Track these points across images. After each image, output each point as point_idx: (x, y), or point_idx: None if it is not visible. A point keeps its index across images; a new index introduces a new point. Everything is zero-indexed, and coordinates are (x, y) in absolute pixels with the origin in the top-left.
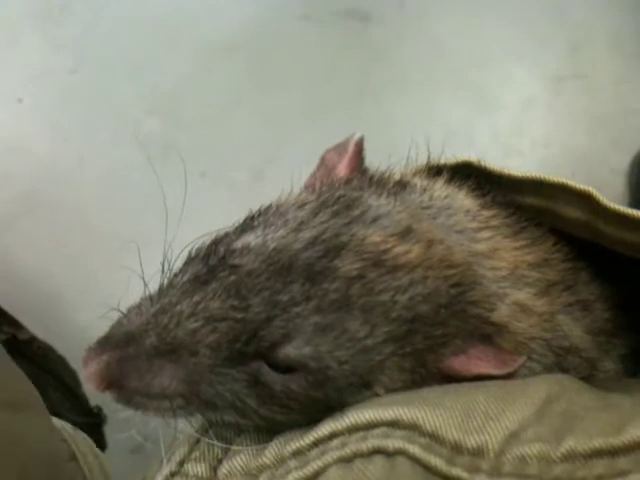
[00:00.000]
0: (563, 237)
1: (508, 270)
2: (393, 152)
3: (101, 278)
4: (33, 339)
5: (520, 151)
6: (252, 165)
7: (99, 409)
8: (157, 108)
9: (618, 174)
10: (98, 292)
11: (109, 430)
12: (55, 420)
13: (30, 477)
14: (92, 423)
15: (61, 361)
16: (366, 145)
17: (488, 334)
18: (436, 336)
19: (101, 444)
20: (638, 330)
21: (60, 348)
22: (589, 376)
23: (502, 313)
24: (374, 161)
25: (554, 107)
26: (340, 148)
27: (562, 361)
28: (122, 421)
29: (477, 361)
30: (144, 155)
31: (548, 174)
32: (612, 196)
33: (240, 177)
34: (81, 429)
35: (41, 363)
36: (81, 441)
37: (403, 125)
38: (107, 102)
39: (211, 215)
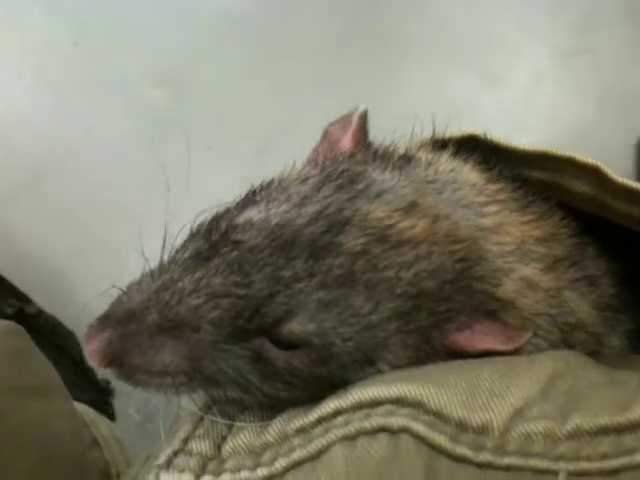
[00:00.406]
0: (570, 212)
1: (515, 245)
2: (403, 124)
3: (106, 252)
4: (40, 313)
5: (528, 127)
6: (260, 137)
7: (107, 382)
8: (163, 80)
9: (627, 148)
10: (103, 266)
11: (118, 403)
12: (76, 404)
13: (53, 462)
14: (101, 396)
15: (69, 335)
16: (375, 119)
17: (493, 310)
18: (441, 312)
19: (110, 417)
20: None
21: (64, 322)
22: (595, 352)
23: (508, 289)
24: (385, 134)
25: (562, 82)
26: (344, 121)
27: (568, 337)
28: (130, 394)
29: (482, 336)
30: (149, 128)
31: (555, 148)
32: (621, 170)
33: (248, 149)
34: (90, 403)
35: (49, 337)
36: (103, 426)
37: (413, 98)
38: (111, 75)
39: (217, 188)
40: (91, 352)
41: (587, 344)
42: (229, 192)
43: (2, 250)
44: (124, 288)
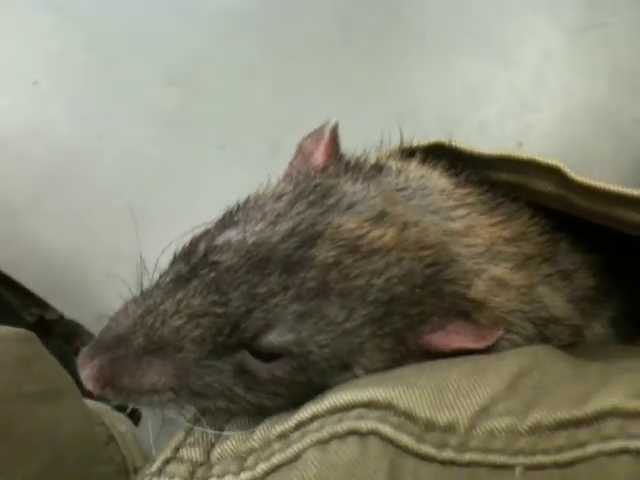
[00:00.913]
0: (540, 209)
1: (484, 247)
2: (413, 113)
3: (124, 255)
4: (61, 318)
5: (540, 105)
6: (270, 135)
7: None
8: (174, 81)
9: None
10: (116, 272)
11: None
12: (93, 403)
13: (65, 464)
14: None
15: (90, 338)
16: (386, 108)
17: (466, 310)
18: (414, 315)
19: (136, 414)
20: (626, 292)
21: (87, 326)
22: (574, 343)
23: (479, 289)
24: (395, 124)
25: (573, 59)
26: (317, 135)
27: (543, 330)
28: None
29: (455, 336)
30: (163, 129)
31: (516, 151)
32: (635, 146)
33: (258, 148)
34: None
35: (70, 341)
36: (119, 423)
37: (422, 84)
38: (123, 78)
39: (230, 187)
40: (84, 378)
41: (564, 336)
42: (242, 189)
43: (24, 256)
44: (112, 315)
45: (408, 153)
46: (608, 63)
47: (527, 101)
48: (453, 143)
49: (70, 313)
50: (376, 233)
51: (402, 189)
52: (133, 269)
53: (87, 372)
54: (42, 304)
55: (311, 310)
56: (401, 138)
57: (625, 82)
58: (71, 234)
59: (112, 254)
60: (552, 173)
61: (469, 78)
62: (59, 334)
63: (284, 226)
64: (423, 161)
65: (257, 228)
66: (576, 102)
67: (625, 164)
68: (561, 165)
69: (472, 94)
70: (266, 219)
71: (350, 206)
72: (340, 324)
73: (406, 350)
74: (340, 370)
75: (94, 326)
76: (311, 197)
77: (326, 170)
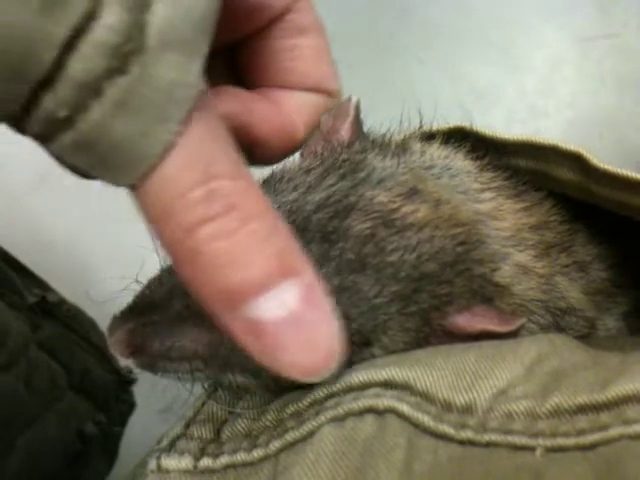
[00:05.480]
0: (560, 199)
1: (511, 231)
2: (419, 113)
3: (130, 241)
4: (63, 302)
5: (547, 112)
6: None
7: (129, 371)
8: None
9: None
10: (126, 256)
11: (138, 389)
12: None
13: None
14: (122, 384)
15: (90, 323)
16: (392, 107)
17: (489, 296)
18: (441, 294)
19: (131, 403)
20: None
21: (87, 311)
22: (587, 335)
23: (504, 274)
24: (401, 123)
25: (582, 67)
26: (335, 112)
27: (559, 321)
28: (151, 381)
29: (481, 318)
30: None
31: (539, 137)
32: None
33: None
34: (112, 390)
35: (70, 324)
36: None
37: (429, 86)
38: None
39: None
40: (114, 342)
41: (578, 327)
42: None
43: (26, 239)
44: (145, 283)
45: (428, 137)
46: (617, 73)
47: (534, 107)
48: (474, 127)
49: (72, 297)
50: (409, 208)
51: (429, 167)
52: (135, 254)
53: (118, 336)
54: (44, 286)
55: (348, 284)
56: (421, 121)
57: (633, 92)
58: (73, 218)
59: (114, 239)
60: (572, 160)
61: (477, 82)
62: (59, 317)
63: (317, 196)
64: (445, 144)
65: (290, 197)
66: (583, 110)
67: None
68: (583, 151)
69: (479, 98)
70: (298, 190)
71: (381, 180)
72: (370, 299)
73: (429, 330)
74: (360, 346)
75: (94, 311)
76: (341, 170)
77: (352, 146)
